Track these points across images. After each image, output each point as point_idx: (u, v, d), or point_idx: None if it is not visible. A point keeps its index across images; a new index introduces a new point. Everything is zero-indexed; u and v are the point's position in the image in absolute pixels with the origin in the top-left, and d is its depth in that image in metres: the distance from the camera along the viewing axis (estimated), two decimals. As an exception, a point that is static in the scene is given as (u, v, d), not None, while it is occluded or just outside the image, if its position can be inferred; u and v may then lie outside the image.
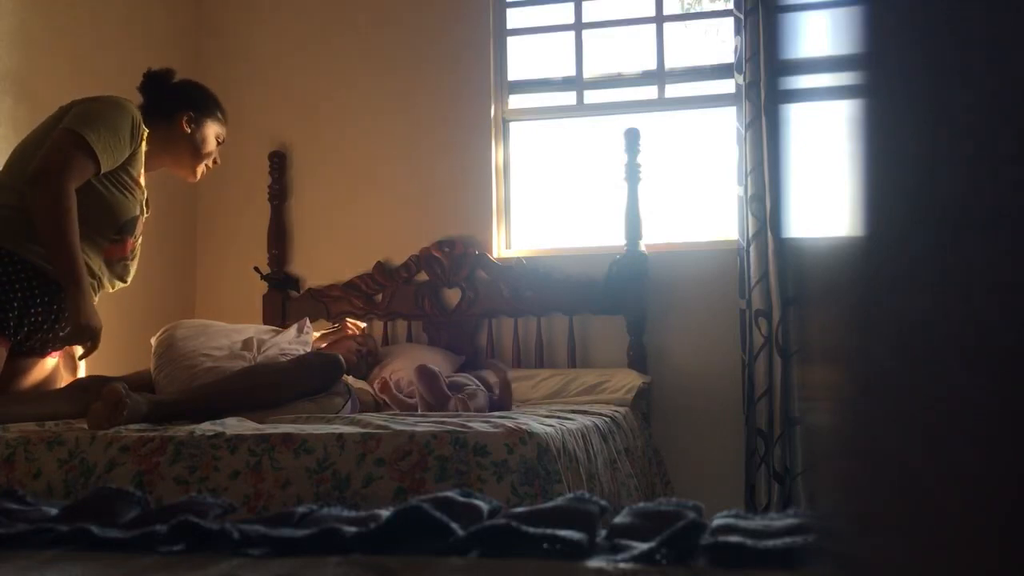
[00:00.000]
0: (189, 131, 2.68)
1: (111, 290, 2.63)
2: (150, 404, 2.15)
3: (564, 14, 3.85)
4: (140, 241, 2.65)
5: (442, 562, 0.79)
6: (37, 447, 1.92)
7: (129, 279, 2.66)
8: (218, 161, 2.82)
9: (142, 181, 2.60)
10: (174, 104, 2.68)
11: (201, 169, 2.77)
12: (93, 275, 2.49)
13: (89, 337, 2.35)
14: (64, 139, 2.34)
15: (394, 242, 3.79)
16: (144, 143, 2.55)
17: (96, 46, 3.41)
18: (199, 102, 2.72)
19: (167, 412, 2.18)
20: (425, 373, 2.60)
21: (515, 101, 3.88)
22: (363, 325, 3.36)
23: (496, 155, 3.81)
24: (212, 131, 2.74)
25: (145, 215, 2.66)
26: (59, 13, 3.26)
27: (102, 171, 2.41)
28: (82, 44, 3.38)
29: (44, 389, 2.51)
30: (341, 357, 2.54)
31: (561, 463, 1.88)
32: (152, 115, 2.62)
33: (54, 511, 1.01)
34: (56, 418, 2.26)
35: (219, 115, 2.77)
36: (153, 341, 2.61)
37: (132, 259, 2.63)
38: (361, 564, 0.79)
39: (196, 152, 2.71)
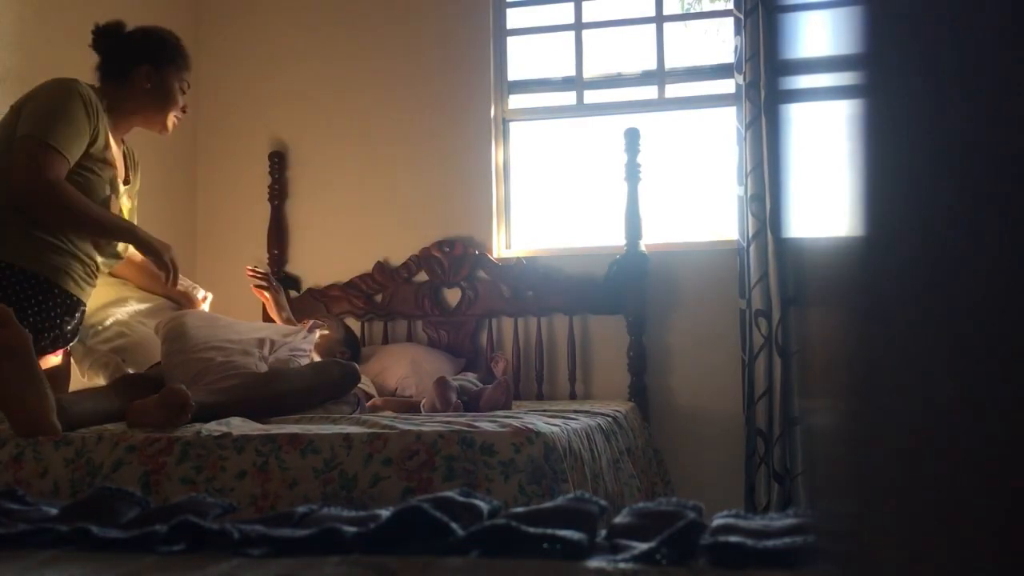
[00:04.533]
0: (150, 86, 2.55)
1: (107, 271, 2.61)
2: (194, 407, 2.15)
3: (564, 14, 3.85)
4: (126, 214, 2.58)
5: (442, 562, 0.79)
6: (44, 446, 1.93)
7: (125, 253, 2.63)
8: (186, 109, 2.69)
9: (112, 156, 2.50)
10: (129, 59, 2.54)
11: (172, 121, 2.65)
12: (84, 263, 2.45)
13: (164, 252, 2.48)
14: (29, 150, 2.28)
15: (394, 242, 3.79)
16: (104, 115, 2.45)
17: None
18: (156, 52, 2.57)
19: (207, 415, 2.17)
20: (441, 384, 2.70)
21: (515, 101, 3.87)
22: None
23: (496, 155, 3.81)
24: (174, 80, 2.60)
25: (123, 188, 2.57)
26: (59, 13, 3.26)
27: (71, 163, 2.34)
28: (82, 43, 3.37)
29: (91, 388, 2.50)
30: (357, 367, 2.59)
31: (567, 463, 1.88)
32: (110, 73, 2.53)
33: (54, 511, 1.01)
34: (118, 418, 2.19)
35: (179, 61, 2.62)
36: (160, 328, 2.60)
37: None
38: (361, 564, 0.79)
39: (161, 106, 2.59)
